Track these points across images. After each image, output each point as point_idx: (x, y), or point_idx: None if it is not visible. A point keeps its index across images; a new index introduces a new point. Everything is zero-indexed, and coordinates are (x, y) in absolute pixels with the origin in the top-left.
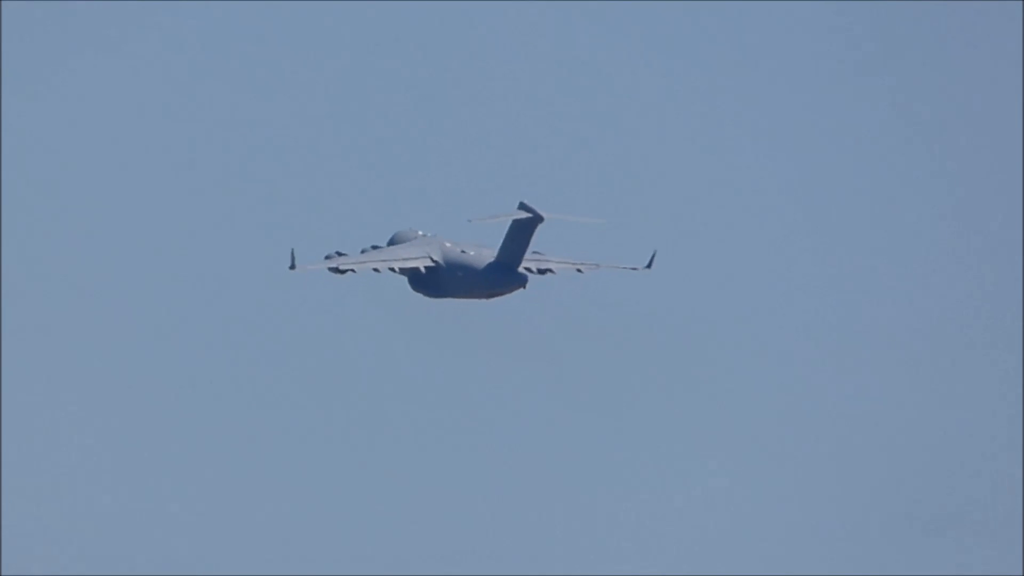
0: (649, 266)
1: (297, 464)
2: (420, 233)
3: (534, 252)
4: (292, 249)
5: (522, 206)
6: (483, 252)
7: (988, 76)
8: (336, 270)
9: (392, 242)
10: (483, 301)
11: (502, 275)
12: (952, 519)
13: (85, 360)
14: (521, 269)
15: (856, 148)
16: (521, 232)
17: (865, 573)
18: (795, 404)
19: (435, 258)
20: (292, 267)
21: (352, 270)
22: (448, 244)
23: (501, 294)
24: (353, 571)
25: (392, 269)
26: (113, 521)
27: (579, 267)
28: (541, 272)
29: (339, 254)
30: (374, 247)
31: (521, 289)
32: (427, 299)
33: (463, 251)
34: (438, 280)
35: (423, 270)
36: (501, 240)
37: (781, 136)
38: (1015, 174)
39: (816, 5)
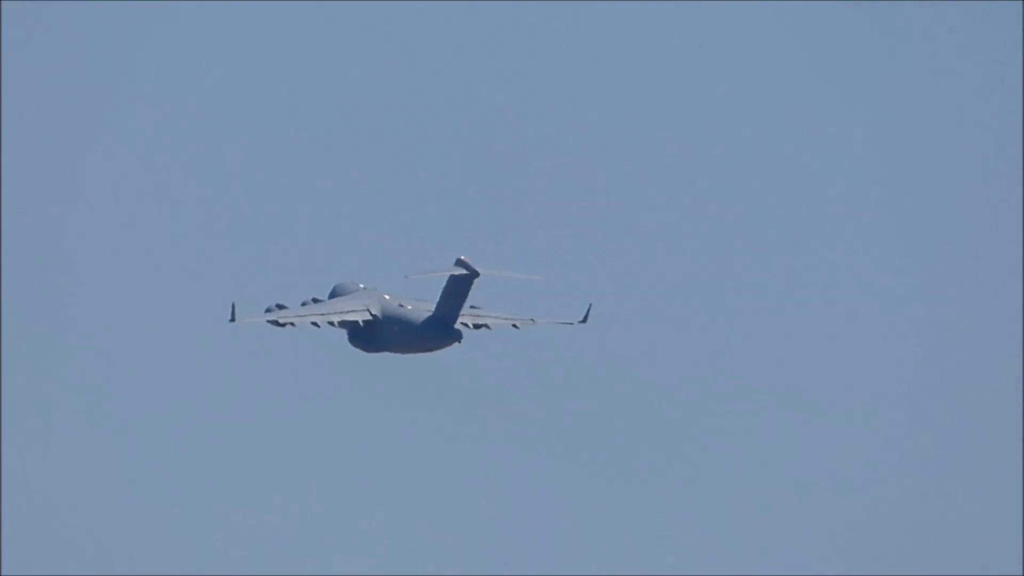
0: (585, 320)
1: (229, 511)
2: (361, 286)
3: (471, 307)
4: (233, 303)
5: (458, 262)
6: (421, 307)
7: (988, 76)
8: (276, 323)
9: (333, 294)
10: (420, 355)
11: (438, 330)
12: (952, 520)
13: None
14: (458, 324)
15: (846, 167)
16: (458, 288)
17: (865, 573)
18: (735, 450)
19: (373, 311)
20: (232, 319)
21: (292, 323)
22: (387, 297)
23: (437, 348)
24: None
25: (331, 323)
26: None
27: (515, 322)
28: (477, 327)
29: (279, 307)
30: (315, 300)
31: (457, 344)
32: (365, 353)
33: (401, 305)
34: (376, 334)
35: (361, 324)
36: (439, 295)
37: (727, 173)
38: (1015, 174)
39: (816, 5)
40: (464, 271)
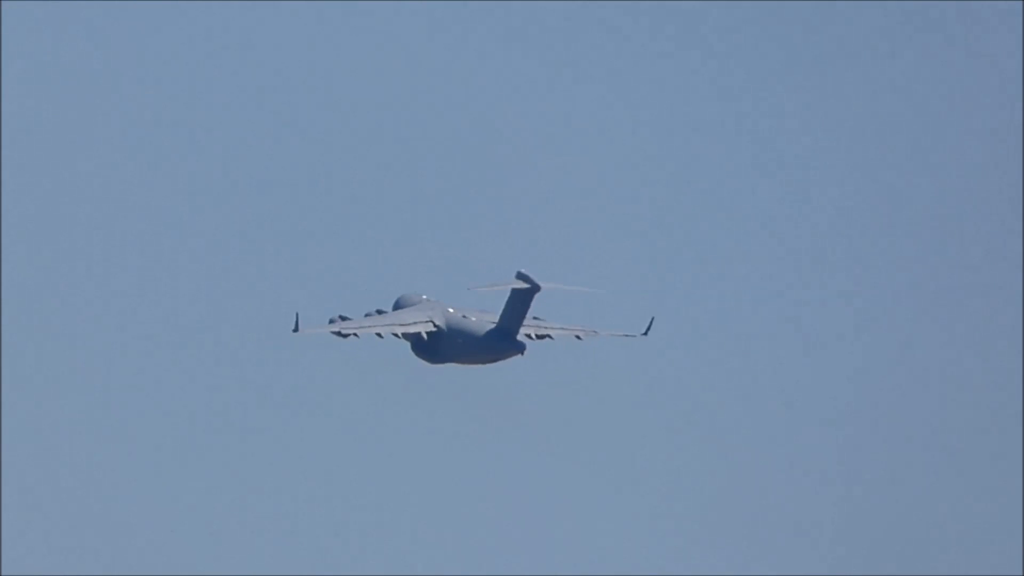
0: (646, 333)
1: (293, 528)
2: (424, 297)
3: (534, 318)
4: (296, 313)
5: (520, 275)
6: (484, 318)
7: (988, 76)
8: (339, 334)
9: (397, 306)
10: (483, 366)
11: (501, 341)
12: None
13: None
14: (520, 336)
15: (855, 177)
16: (519, 301)
17: (865, 573)
18: (792, 468)
19: (437, 323)
20: (296, 330)
21: (355, 334)
22: (451, 310)
23: (500, 359)
24: None
25: (395, 334)
26: (113, 523)
27: (577, 334)
28: (540, 338)
29: (343, 318)
30: (379, 311)
31: (520, 355)
32: (429, 364)
33: (464, 316)
34: (439, 345)
35: (425, 335)
36: (502, 307)
37: (784, 195)
38: (1015, 174)
39: (817, 5)
40: (526, 284)
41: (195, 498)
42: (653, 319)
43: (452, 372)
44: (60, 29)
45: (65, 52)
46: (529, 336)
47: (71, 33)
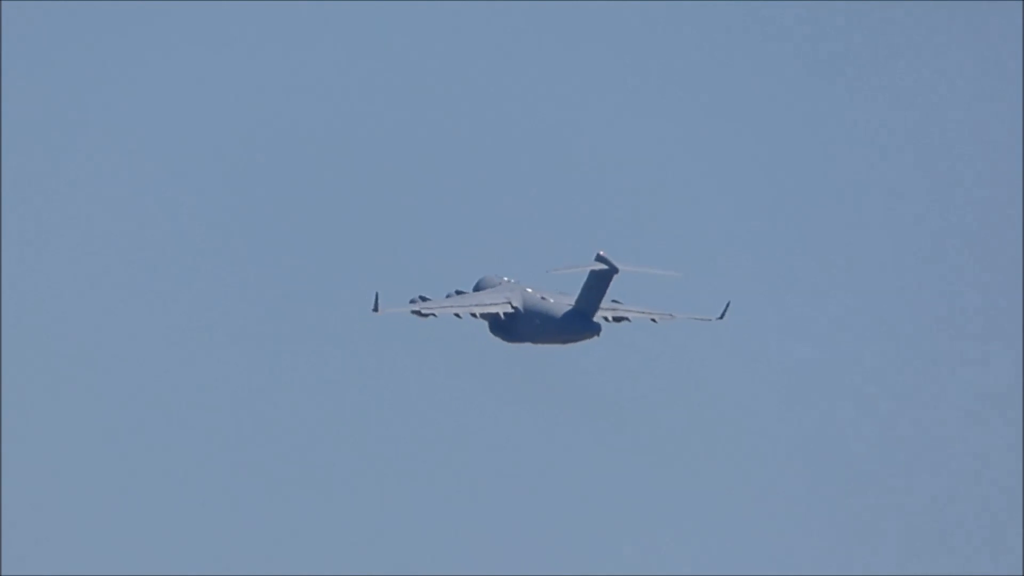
0: (722, 317)
1: (364, 499)
2: (505, 279)
3: (613, 300)
4: (376, 293)
5: (599, 258)
6: (562, 300)
7: (988, 76)
8: (419, 313)
9: (477, 287)
10: (559, 346)
11: (578, 323)
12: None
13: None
14: (597, 318)
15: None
16: (598, 283)
17: (865, 573)
18: (866, 447)
19: (515, 304)
20: (375, 309)
21: (433, 314)
22: (530, 291)
23: (577, 340)
24: None
25: (473, 314)
26: (112, 523)
27: (654, 316)
28: (617, 320)
29: (423, 298)
30: (458, 292)
31: (596, 337)
32: (505, 343)
33: (543, 298)
34: (516, 325)
35: (502, 316)
36: (579, 289)
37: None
38: (1015, 174)
39: (816, 5)
40: (604, 266)
41: (277, 470)
42: (729, 303)
43: (529, 351)
44: (60, 29)
45: (65, 52)
46: (606, 318)
47: (71, 33)
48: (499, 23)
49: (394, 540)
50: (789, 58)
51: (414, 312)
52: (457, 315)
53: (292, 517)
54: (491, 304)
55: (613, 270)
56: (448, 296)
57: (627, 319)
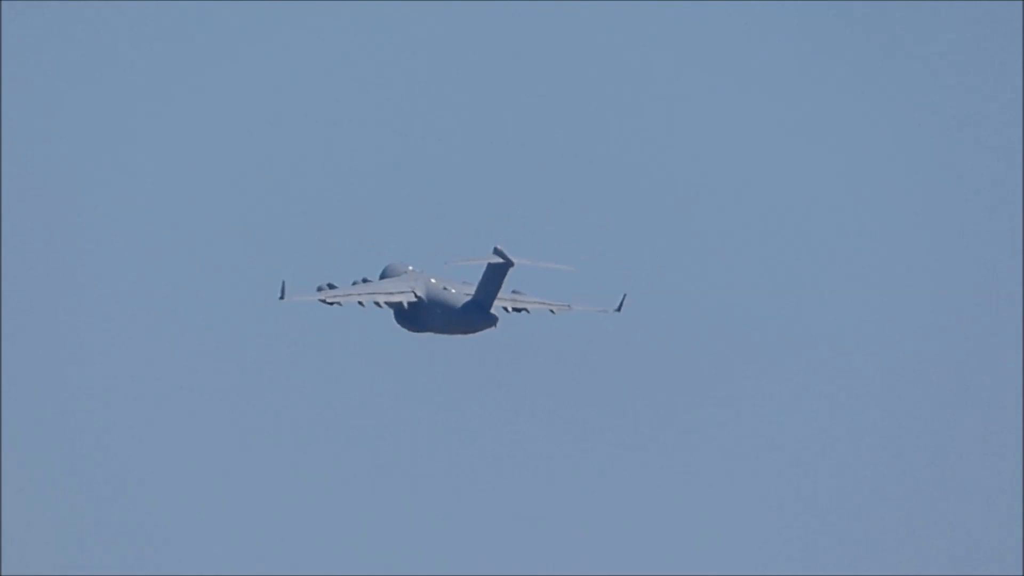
0: (619, 309)
1: (277, 489)
2: (410, 268)
3: (513, 291)
4: (283, 281)
5: (496, 251)
6: (464, 290)
7: (988, 76)
8: (324, 302)
9: (383, 275)
10: (462, 336)
11: (475, 314)
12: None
13: (77, 378)
14: (496, 308)
15: (850, 162)
16: (494, 275)
17: (865, 573)
18: (754, 441)
19: (419, 293)
20: (282, 298)
21: (338, 303)
22: (433, 280)
23: (474, 331)
24: None
25: (377, 303)
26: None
27: (552, 307)
28: (516, 311)
29: (330, 286)
30: (365, 279)
31: (492, 328)
32: (409, 333)
33: (445, 288)
34: (419, 315)
35: (406, 305)
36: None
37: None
38: (1015, 174)
39: (816, 5)
40: (500, 260)
41: (180, 462)
42: (625, 295)
43: (432, 341)
44: (60, 29)
45: (65, 52)
46: (506, 309)
47: (71, 33)
48: None
49: (292, 530)
50: (782, 56)
51: (320, 300)
52: (361, 303)
53: (189, 509)
54: (395, 293)
55: (508, 264)
56: (354, 283)
57: (526, 310)
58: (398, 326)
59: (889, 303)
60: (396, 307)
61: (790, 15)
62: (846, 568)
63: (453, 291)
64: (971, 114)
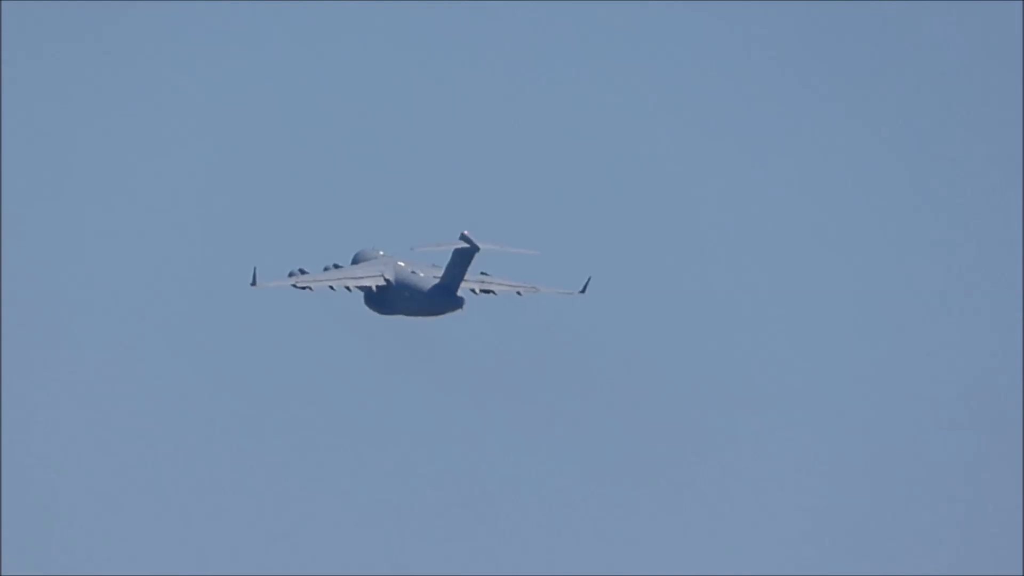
0: (584, 291)
1: (251, 473)
2: (380, 253)
3: (481, 273)
4: (255, 267)
5: (462, 237)
6: (432, 274)
7: (988, 76)
8: (295, 287)
9: (355, 260)
10: (429, 319)
11: (442, 298)
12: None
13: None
14: (464, 290)
15: (843, 159)
16: (461, 260)
17: (865, 573)
18: (721, 420)
19: (388, 277)
20: (253, 283)
21: (309, 288)
22: (401, 264)
23: (441, 314)
24: None
25: (347, 288)
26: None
27: (519, 289)
28: (484, 292)
29: (302, 271)
30: (336, 265)
31: (459, 311)
32: (378, 315)
33: (413, 272)
34: (387, 298)
35: (375, 288)
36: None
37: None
38: (1015, 174)
39: (816, 5)
40: (466, 245)
41: (159, 442)
42: (590, 278)
43: (400, 323)
44: (60, 29)
45: (65, 52)
46: (474, 291)
47: (71, 33)
48: None
49: (264, 512)
50: (779, 57)
51: (293, 285)
52: (332, 287)
53: (172, 499)
54: (365, 277)
55: (475, 249)
56: (326, 269)
57: (493, 292)
58: (368, 309)
59: (889, 303)
60: (365, 291)
61: (789, 15)
62: (846, 568)
63: (421, 275)
64: (971, 114)
